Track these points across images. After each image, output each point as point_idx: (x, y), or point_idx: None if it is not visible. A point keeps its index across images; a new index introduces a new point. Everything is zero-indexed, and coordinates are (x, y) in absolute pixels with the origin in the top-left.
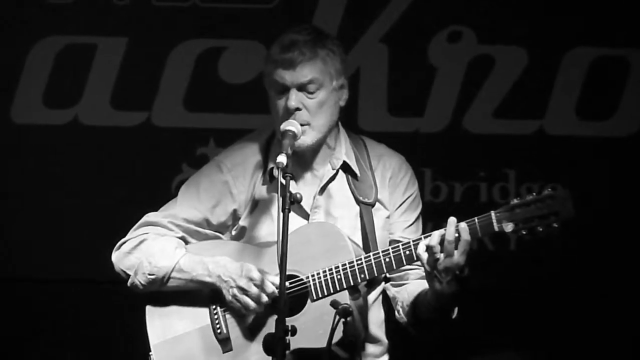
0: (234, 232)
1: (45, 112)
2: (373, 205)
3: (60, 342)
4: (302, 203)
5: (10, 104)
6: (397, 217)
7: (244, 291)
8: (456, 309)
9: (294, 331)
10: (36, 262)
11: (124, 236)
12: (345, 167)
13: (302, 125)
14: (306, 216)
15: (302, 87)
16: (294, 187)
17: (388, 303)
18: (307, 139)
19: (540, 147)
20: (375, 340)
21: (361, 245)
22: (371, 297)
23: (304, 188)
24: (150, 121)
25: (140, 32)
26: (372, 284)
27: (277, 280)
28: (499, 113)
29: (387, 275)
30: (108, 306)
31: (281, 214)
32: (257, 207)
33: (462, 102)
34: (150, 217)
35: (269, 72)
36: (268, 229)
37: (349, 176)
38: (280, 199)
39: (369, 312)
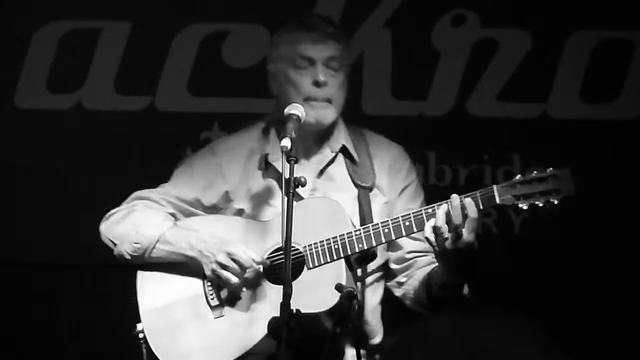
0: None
1: (49, 97)
2: (371, 190)
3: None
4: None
5: (14, 89)
6: (402, 205)
7: (222, 266)
8: (466, 286)
9: (298, 315)
10: (38, 247)
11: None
12: (344, 151)
13: (326, 100)
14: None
15: (327, 62)
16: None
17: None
18: (329, 114)
19: (544, 131)
20: (367, 324)
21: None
22: (366, 282)
23: (301, 172)
24: (154, 105)
25: (144, 17)
26: (366, 270)
27: (255, 255)
28: (503, 96)
29: (393, 267)
30: (113, 290)
31: (285, 197)
32: (253, 192)
33: (465, 86)
34: (142, 192)
35: (287, 50)
36: (264, 213)
37: (348, 160)
38: (276, 183)
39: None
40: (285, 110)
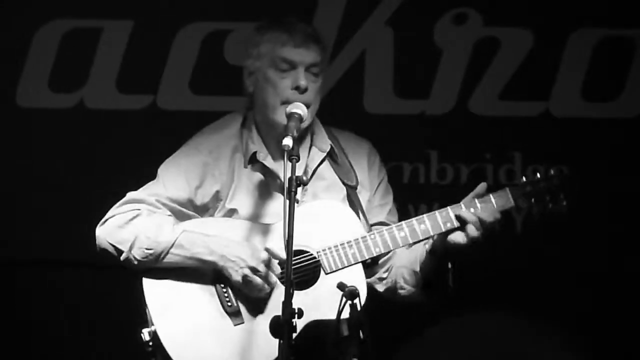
0: (218, 215)
1: (51, 96)
2: (356, 188)
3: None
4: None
5: (16, 88)
6: (378, 200)
7: (256, 272)
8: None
9: (300, 314)
10: (38, 246)
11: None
12: (330, 151)
13: (304, 105)
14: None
15: (308, 68)
16: (278, 171)
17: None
18: (306, 120)
19: (546, 129)
20: None
21: None
22: None
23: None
24: (156, 104)
25: (146, 15)
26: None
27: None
28: (505, 95)
29: (374, 263)
30: (113, 290)
31: (287, 196)
32: (242, 190)
33: (467, 84)
34: (134, 194)
35: (268, 50)
36: (258, 213)
37: (331, 160)
38: (266, 181)
39: None
40: (287, 109)
